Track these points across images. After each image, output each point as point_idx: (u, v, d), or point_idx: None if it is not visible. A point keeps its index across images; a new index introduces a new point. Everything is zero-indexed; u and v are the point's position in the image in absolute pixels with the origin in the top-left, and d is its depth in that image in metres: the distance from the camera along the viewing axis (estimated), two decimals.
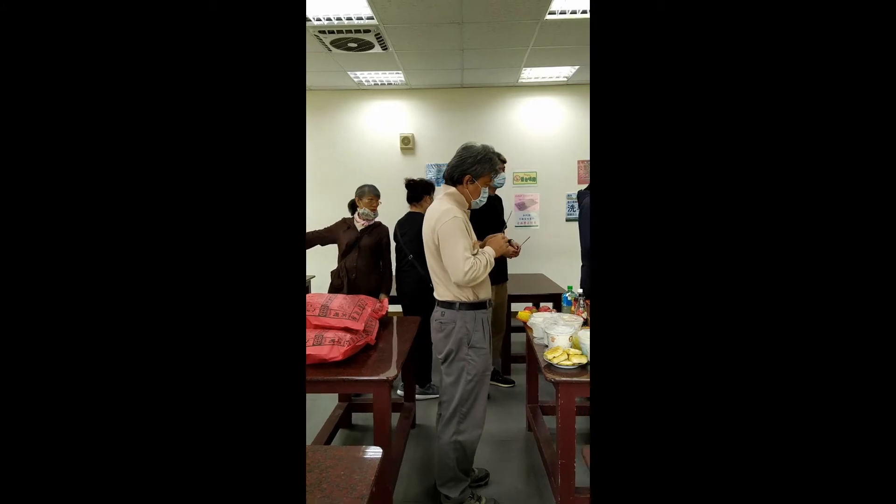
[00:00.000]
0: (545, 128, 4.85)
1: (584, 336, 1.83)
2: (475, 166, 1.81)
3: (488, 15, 2.96)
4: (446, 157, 4.82)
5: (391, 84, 4.60)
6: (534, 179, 4.91)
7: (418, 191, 3.03)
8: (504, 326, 3.16)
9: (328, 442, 2.35)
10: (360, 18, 2.99)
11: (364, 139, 4.89)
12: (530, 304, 2.88)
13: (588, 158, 4.82)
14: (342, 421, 2.61)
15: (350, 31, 3.17)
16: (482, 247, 1.86)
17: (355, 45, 3.39)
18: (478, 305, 1.83)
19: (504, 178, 2.94)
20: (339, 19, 3.00)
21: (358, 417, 2.86)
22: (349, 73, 4.20)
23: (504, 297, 3.06)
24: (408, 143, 4.82)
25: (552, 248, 4.84)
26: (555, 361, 1.75)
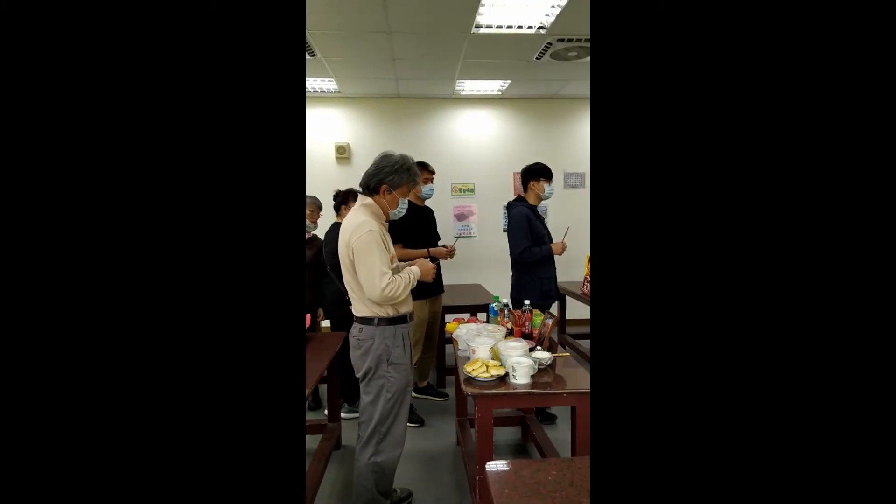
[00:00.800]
0: (481, 140, 4.91)
1: (505, 347, 1.81)
2: (392, 176, 1.76)
3: (415, 25, 2.95)
4: None
5: (324, 91, 4.50)
6: (472, 190, 4.94)
7: (340, 200, 2.95)
8: (437, 339, 3.12)
9: None
10: None
11: None
12: (467, 315, 2.86)
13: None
14: None
15: None
16: (410, 265, 1.82)
17: None
18: (398, 320, 1.77)
19: (433, 189, 2.92)
20: None
21: None
22: None
23: (439, 308, 3.01)
24: (343, 153, 4.72)
25: (489, 258, 4.87)
26: (473, 374, 1.71)
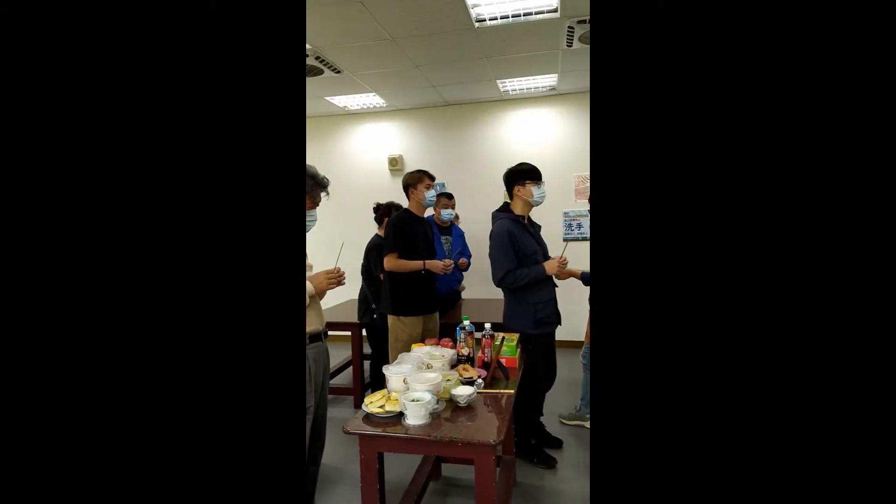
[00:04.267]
0: (537, 141, 4.54)
1: (416, 378, 1.57)
2: None
3: (409, 29, 2.81)
4: (436, 176, 4.72)
5: (375, 107, 4.59)
6: None
7: (382, 212, 3.10)
8: None
9: None
10: None
11: (353, 162, 4.91)
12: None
13: (587, 173, 4.42)
14: None
15: None
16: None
17: None
18: None
19: (434, 197, 2.72)
20: None
21: None
22: (326, 98, 4.24)
23: (435, 326, 2.78)
24: (395, 164, 4.76)
25: None
26: (372, 409, 1.51)
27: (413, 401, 1.44)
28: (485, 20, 2.75)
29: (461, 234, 3.46)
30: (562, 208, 4.50)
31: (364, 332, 3.17)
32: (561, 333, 3.00)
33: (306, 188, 1.65)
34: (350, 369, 3.32)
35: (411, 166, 4.76)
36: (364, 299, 3.10)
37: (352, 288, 3.10)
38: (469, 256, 3.29)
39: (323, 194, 1.73)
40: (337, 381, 3.39)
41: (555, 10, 2.65)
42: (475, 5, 2.57)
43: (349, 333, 3.19)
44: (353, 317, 3.20)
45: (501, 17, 2.72)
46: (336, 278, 1.69)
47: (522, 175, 2.27)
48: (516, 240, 2.20)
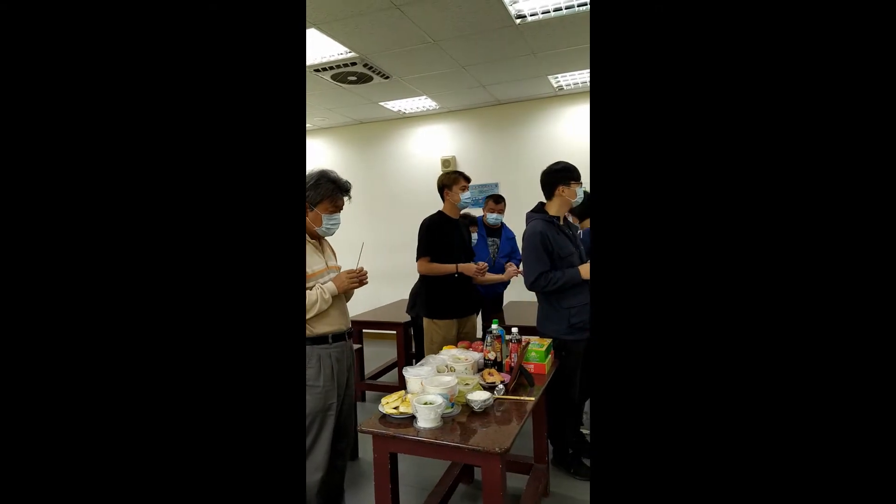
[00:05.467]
0: None
1: (432, 381, 1.58)
2: (309, 193, 1.72)
3: (450, 31, 2.81)
4: (489, 176, 4.69)
5: (428, 109, 4.65)
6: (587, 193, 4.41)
7: None
8: None
9: None
10: (341, 54, 3.12)
11: (408, 165, 5.00)
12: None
13: None
14: None
15: (339, 66, 3.32)
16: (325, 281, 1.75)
17: (354, 78, 3.53)
18: (315, 340, 1.72)
19: (470, 198, 2.70)
20: (323, 58, 3.17)
21: None
22: (381, 103, 4.37)
23: (472, 329, 2.74)
24: (448, 166, 4.78)
25: None
26: (386, 410, 1.54)
27: (425, 403, 1.44)
28: (525, 16, 2.68)
29: (512, 237, 3.38)
30: None
31: (412, 331, 3.22)
32: None
33: (328, 192, 1.71)
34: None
35: (465, 167, 4.76)
36: (416, 293, 3.05)
37: (401, 289, 3.17)
38: (519, 260, 3.22)
39: (346, 198, 1.78)
40: (384, 379, 3.47)
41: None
42: (513, 2, 2.52)
43: (394, 332, 3.25)
44: (398, 317, 3.26)
45: (542, 13, 2.65)
46: (358, 278, 1.73)
47: (568, 174, 2.17)
48: (549, 241, 2.12)
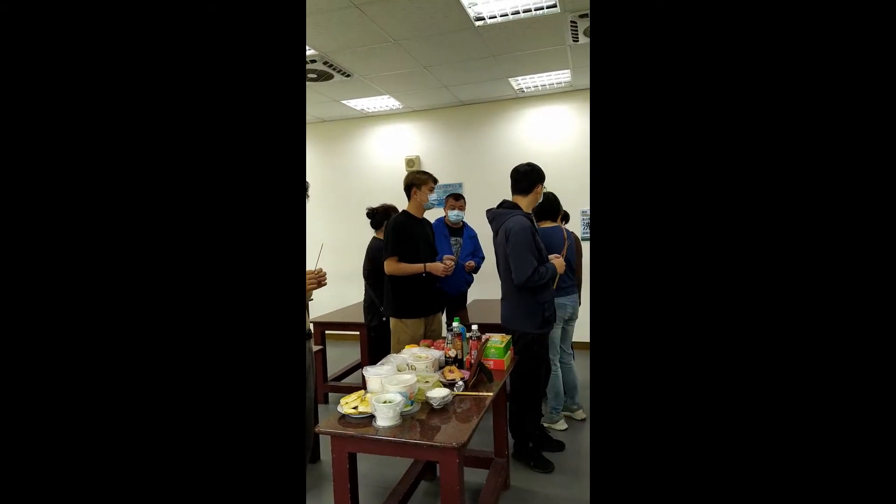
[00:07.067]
0: (554, 139, 4.45)
1: (392, 380, 1.58)
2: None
3: (414, 30, 2.83)
4: (453, 176, 4.72)
5: (391, 109, 4.64)
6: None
7: (378, 217, 3.10)
8: None
9: None
10: None
11: (371, 164, 4.98)
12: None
13: None
14: None
15: None
16: None
17: (314, 75, 3.49)
18: None
19: (436, 199, 2.72)
20: None
21: None
22: (343, 101, 4.33)
23: (438, 327, 2.77)
24: (412, 165, 4.79)
25: None
26: (345, 410, 1.54)
27: (384, 402, 1.45)
28: (484, 19, 2.73)
29: (474, 236, 3.43)
30: (580, 207, 4.40)
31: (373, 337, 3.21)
32: (579, 334, 2.95)
33: None
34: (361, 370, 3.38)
35: (429, 167, 4.78)
36: (371, 304, 3.04)
37: (360, 291, 3.16)
38: (482, 258, 3.26)
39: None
40: (349, 380, 3.45)
41: (554, 6, 2.59)
42: (472, 4, 2.55)
43: (358, 333, 3.23)
44: (362, 318, 3.24)
45: (501, 15, 2.69)
46: (316, 279, 1.72)
47: (542, 174, 2.27)
48: (535, 237, 2.17)
